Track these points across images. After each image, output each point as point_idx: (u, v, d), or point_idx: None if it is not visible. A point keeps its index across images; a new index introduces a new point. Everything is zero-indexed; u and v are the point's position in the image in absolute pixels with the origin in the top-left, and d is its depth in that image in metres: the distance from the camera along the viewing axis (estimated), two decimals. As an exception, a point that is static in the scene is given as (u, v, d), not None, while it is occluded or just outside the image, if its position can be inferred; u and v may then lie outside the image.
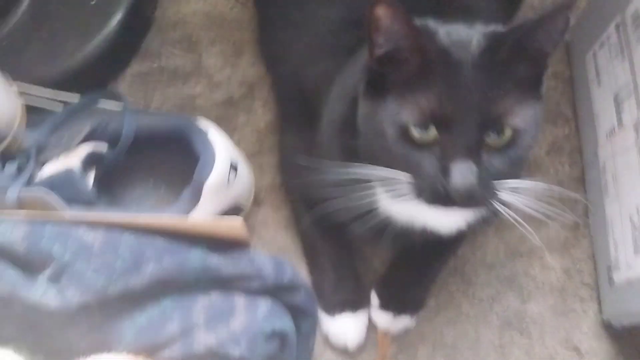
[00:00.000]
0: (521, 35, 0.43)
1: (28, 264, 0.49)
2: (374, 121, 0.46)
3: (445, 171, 0.44)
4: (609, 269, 0.63)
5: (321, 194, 0.53)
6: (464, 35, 0.45)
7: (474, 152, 0.44)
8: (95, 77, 0.72)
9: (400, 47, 0.44)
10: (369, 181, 0.48)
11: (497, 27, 0.46)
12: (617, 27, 0.63)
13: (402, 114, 0.45)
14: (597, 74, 0.67)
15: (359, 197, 0.49)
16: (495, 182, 0.45)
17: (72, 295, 0.48)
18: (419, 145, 0.45)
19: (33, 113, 0.64)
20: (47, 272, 0.49)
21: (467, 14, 0.51)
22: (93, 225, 0.51)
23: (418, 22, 0.45)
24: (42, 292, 0.48)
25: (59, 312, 0.49)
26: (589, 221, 0.68)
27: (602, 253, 0.65)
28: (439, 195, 0.44)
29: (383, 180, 0.47)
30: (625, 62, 0.61)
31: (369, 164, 0.47)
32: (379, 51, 0.45)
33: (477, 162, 0.44)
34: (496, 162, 0.45)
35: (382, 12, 0.43)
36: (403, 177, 0.45)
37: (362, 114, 0.48)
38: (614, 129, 0.63)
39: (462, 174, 0.43)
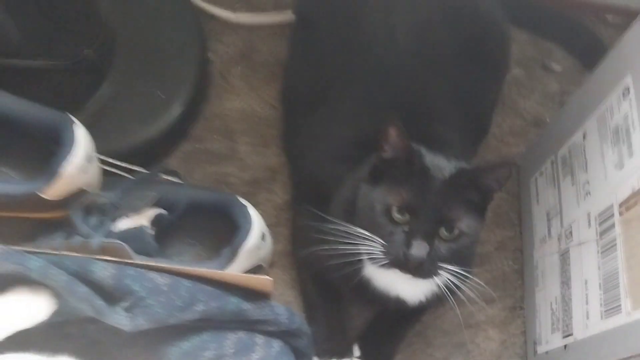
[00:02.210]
0: (476, 174, 0.63)
1: (112, 296, 0.63)
2: (368, 199, 0.64)
3: (408, 244, 0.60)
4: (534, 343, 0.80)
5: (322, 263, 0.69)
6: (442, 164, 0.64)
7: (430, 237, 0.61)
8: (153, 154, 0.87)
9: (398, 156, 0.63)
10: (359, 254, 0.64)
11: (463, 164, 0.65)
12: (552, 163, 0.81)
13: (388, 197, 0.62)
14: (537, 194, 0.85)
15: (350, 264, 0.66)
16: (441, 264, 0.62)
17: (141, 323, 0.63)
18: (395, 222, 0.61)
19: (104, 177, 0.80)
20: (125, 303, 0.63)
21: (443, 145, 0.70)
22: (160, 271, 0.67)
23: (415, 146, 0.64)
24: (120, 318, 0.62)
25: (126, 333, 0.63)
26: (524, 305, 0.85)
27: (530, 330, 0.82)
28: (399, 259, 0.61)
29: (366, 241, 0.62)
30: (555, 190, 0.79)
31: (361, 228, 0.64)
32: (385, 155, 0.63)
33: (430, 244, 0.61)
34: (443, 249, 0.62)
35: (392, 131, 0.61)
36: (379, 240, 0.61)
37: (361, 194, 0.65)
38: (545, 237, 0.80)
39: (418, 248, 0.60)
